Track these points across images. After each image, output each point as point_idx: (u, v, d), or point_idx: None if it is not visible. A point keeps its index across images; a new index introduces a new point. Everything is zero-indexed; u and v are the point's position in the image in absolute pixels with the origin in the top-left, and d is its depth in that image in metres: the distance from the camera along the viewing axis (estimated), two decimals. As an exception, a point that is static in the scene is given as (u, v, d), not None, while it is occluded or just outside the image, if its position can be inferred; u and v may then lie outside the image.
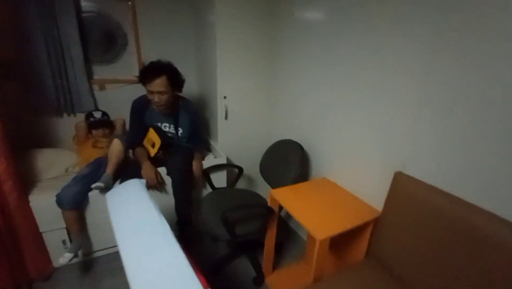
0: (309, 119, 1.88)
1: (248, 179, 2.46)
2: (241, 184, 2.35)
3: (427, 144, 1.14)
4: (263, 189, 2.19)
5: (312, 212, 1.34)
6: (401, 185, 1.20)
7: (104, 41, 2.28)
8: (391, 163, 1.30)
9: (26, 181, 1.70)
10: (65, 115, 2.23)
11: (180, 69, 1.81)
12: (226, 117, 2.16)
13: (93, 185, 1.60)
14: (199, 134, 2.06)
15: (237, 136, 2.28)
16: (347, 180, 1.60)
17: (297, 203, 1.43)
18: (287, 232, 2.25)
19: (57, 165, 1.93)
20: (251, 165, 2.25)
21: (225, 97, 2.11)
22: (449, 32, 1.00)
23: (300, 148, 1.75)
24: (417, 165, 1.19)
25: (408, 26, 1.15)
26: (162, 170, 1.84)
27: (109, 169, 1.72)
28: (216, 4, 1.88)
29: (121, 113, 2.20)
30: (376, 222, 1.30)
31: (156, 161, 1.83)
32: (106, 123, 2.10)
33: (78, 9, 2.08)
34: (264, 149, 2.05)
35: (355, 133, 1.51)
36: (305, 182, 1.72)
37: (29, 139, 2.06)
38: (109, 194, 1.09)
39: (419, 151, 1.18)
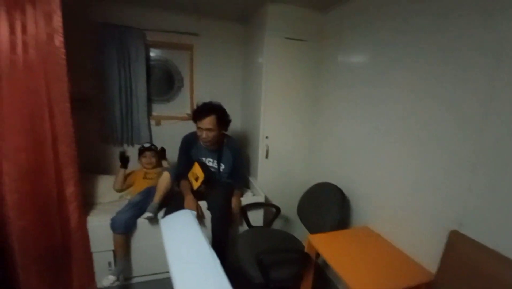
0: (352, 164, 1.84)
1: (285, 220, 2.41)
2: (277, 224, 2.32)
3: (487, 201, 1.04)
4: (300, 232, 2.12)
5: (352, 264, 1.25)
6: (457, 246, 1.08)
7: (164, 83, 2.62)
8: (445, 220, 1.19)
9: (87, 203, 1.91)
10: (125, 145, 2.51)
11: (226, 108, 1.99)
12: (267, 156, 2.23)
13: (145, 216, 1.74)
14: (239, 171, 2.14)
15: (277, 175, 2.31)
16: (392, 233, 1.49)
17: (336, 252, 1.36)
18: (324, 281, 2.10)
19: (113, 191, 2.14)
20: (288, 205, 2.23)
21: (267, 137, 2.20)
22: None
23: (341, 193, 1.70)
24: (476, 224, 1.07)
25: (462, 70, 1.13)
26: (203, 204, 1.92)
27: (157, 199, 1.85)
28: (264, 48, 2.07)
29: (172, 146, 2.40)
30: (428, 287, 1.16)
31: (198, 194, 1.93)
32: (148, 149, 2.24)
33: (147, 57, 2.46)
34: (303, 190, 2.03)
35: (403, 182, 1.43)
36: (346, 230, 1.64)
37: (93, 165, 2.35)
38: (163, 221, 1.19)
39: (478, 209, 1.07)
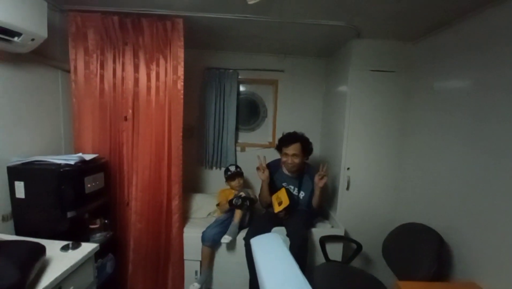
0: (452, 205, 1.62)
1: (366, 259, 2.23)
2: (357, 262, 2.16)
3: None
4: (384, 275, 1.92)
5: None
6: None
7: (250, 114, 2.93)
8: None
9: (184, 216, 2.24)
10: (214, 168, 2.87)
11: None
12: (347, 188, 2.17)
13: (224, 240, 1.91)
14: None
15: (358, 209, 2.20)
16: (512, 296, 1.21)
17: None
18: None
19: (203, 208, 2.45)
20: (371, 243, 2.07)
21: (348, 168, 2.16)
22: None
23: (438, 237, 1.51)
24: None
25: None
26: (282, 230, 1.99)
27: (236, 219, 2.03)
28: (348, 80, 2.10)
29: (254, 170, 2.60)
30: None
31: (276, 218, 2.02)
32: (239, 174, 2.43)
33: (238, 92, 2.83)
34: (387, 228, 1.87)
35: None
36: (444, 283, 1.42)
37: (189, 183, 2.76)
38: (254, 241, 1.34)
39: None
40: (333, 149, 2.41)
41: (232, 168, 2.45)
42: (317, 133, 2.86)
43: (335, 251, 2.04)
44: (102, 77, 1.83)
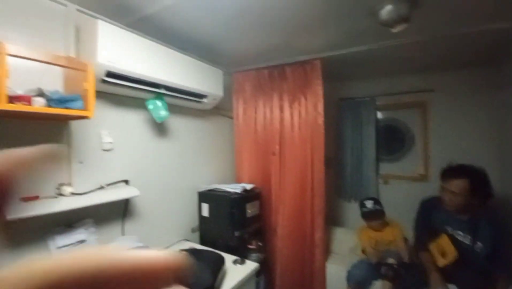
0: None
1: None
2: None
3: None
4: None
5: None
6: None
7: (392, 142, 2.65)
8: None
9: (326, 249, 2.22)
10: (352, 201, 2.73)
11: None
12: None
13: None
14: (506, 255, 1.58)
15: None
16: None
17: None
18: None
19: (345, 243, 2.34)
20: None
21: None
22: None
23: None
24: None
25: None
26: None
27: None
28: None
29: (400, 207, 2.28)
30: None
31: (443, 273, 1.63)
32: (377, 214, 2.04)
33: (376, 120, 2.65)
34: None
35: None
36: None
37: (328, 215, 2.73)
38: None
39: None
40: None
41: (369, 205, 2.07)
42: (490, 162, 2.19)
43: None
44: (255, 120, 2.24)
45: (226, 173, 2.39)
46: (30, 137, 1.17)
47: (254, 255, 1.89)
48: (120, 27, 1.36)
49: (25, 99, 1.00)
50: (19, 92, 1.02)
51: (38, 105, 1.02)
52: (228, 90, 2.29)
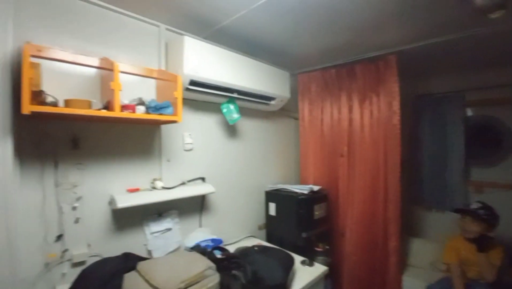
0: None
1: None
2: None
3: None
4: None
5: None
6: None
7: (486, 144, 2.25)
8: None
9: (402, 261, 2.03)
10: (433, 210, 2.42)
11: None
12: None
13: None
14: None
15: None
16: None
17: None
18: None
19: (423, 256, 2.10)
20: None
21: None
22: None
23: None
24: None
25: None
26: None
27: None
28: None
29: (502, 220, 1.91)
30: None
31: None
32: (474, 212, 1.69)
33: (466, 118, 2.29)
34: None
35: None
36: None
37: (403, 224, 2.49)
38: None
39: None
40: None
41: (475, 205, 1.73)
42: None
43: None
44: (322, 120, 2.19)
45: (290, 174, 2.41)
46: (133, 139, 1.40)
47: (320, 258, 1.85)
48: (200, 40, 1.51)
49: (131, 108, 1.20)
50: (125, 101, 1.24)
51: (140, 112, 1.22)
52: (293, 91, 2.31)
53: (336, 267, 2.03)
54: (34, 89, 0.95)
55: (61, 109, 1.00)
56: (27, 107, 0.88)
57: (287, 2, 1.28)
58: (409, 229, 2.47)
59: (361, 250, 1.91)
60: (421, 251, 2.11)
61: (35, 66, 0.99)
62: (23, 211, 1.05)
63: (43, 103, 0.97)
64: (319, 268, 1.46)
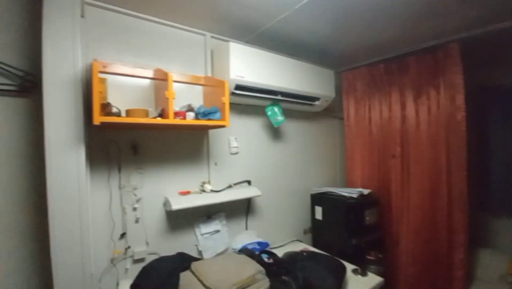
0: None
1: None
2: None
3: None
4: None
5: None
6: None
7: None
8: None
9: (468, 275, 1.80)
10: (504, 216, 2.10)
11: None
12: None
13: None
14: None
15: None
16: None
17: None
18: None
19: (490, 268, 1.84)
20: None
21: None
22: None
23: None
24: None
25: None
26: None
27: None
28: None
29: None
30: None
31: None
32: None
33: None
34: None
35: None
36: None
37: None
38: None
39: None
40: None
41: None
42: None
43: None
44: (370, 119, 2.05)
45: (335, 176, 2.31)
46: (183, 144, 1.47)
47: (373, 267, 1.73)
48: (244, 45, 1.53)
49: (181, 114, 1.26)
50: (176, 108, 1.30)
51: (190, 118, 1.27)
52: (337, 90, 2.21)
53: (390, 278, 1.88)
54: (102, 101, 1.05)
55: (125, 119, 1.09)
56: (98, 118, 0.97)
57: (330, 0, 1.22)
58: (475, 238, 2.18)
59: (419, 262, 1.74)
60: (489, 262, 1.85)
61: (102, 80, 1.09)
62: (93, 212, 1.17)
63: (110, 114, 1.07)
64: (373, 279, 1.36)
